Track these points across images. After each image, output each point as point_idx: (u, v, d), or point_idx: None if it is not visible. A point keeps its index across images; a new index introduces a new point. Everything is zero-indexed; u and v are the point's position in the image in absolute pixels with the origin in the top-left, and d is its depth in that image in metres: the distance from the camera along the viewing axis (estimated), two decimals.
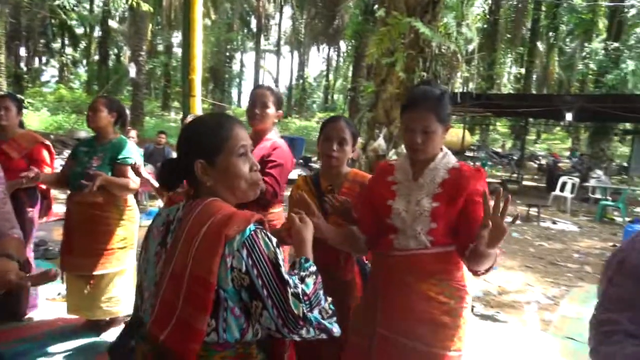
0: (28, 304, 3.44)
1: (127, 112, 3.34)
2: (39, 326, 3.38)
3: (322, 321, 1.20)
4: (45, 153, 3.33)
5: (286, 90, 40.48)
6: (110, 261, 3.09)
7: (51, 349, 3.06)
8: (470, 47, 10.79)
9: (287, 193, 2.60)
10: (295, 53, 40.00)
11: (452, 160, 1.76)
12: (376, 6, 11.57)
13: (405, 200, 1.73)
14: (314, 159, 17.31)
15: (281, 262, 1.17)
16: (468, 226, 1.64)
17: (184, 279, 1.15)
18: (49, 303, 3.62)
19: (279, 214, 2.58)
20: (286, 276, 1.16)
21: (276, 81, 36.34)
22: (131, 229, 3.22)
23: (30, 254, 3.41)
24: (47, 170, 3.28)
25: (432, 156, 1.73)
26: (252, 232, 1.16)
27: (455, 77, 6.40)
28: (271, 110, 2.54)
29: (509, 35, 28.52)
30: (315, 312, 1.19)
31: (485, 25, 23.53)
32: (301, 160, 15.97)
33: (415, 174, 1.76)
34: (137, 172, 3.07)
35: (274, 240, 1.20)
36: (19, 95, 18.86)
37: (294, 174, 11.52)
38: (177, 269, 1.17)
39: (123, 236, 3.15)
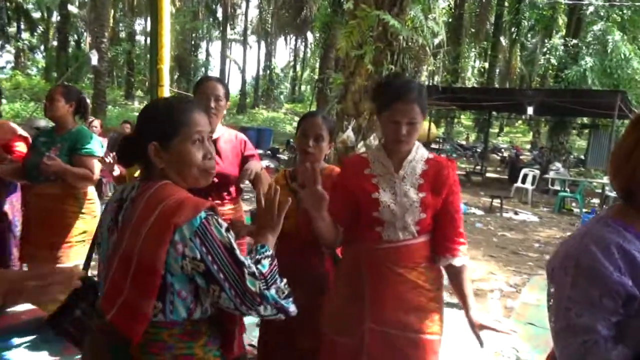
0: None
1: (88, 101, 3.25)
2: (2, 319, 3.28)
3: (279, 300, 1.23)
4: (22, 145, 3.21)
5: (253, 80, 40.10)
6: (68, 255, 3.00)
7: (16, 341, 2.97)
8: (437, 41, 10.94)
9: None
10: (262, 43, 39.62)
11: (425, 151, 1.80)
12: None
13: (391, 193, 1.73)
14: (282, 149, 17.30)
15: (235, 246, 1.21)
16: (450, 216, 1.75)
17: (132, 263, 1.18)
18: None
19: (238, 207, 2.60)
20: (241, 258, 1.20)
21: (242, 71, 35.90)
22: (92, 222, 3.13)
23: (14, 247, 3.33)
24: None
25: (409, 148, 1.75)
26: (204, 220, 1.18)
27: (422, 70, 6.48)
28: (224, 103, 2.51)
29: (473, 30, 29.10)
30: (272, 290, 1.23)
31: (450, 20, 23.88)
32: (269, 152, 15.92)
33: (395, 166, 1.76)
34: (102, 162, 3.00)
35: (225, 225, 1.23)
36: None
37: (261, 165, 11.47)
38: (127, 252, 1.20)
39: (82, 229, 3.06)
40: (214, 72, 37.06)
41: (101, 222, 1.38)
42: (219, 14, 34.06)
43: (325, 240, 1.85)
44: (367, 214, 1.75)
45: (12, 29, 31.13)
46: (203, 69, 34.95)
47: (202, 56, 37.67)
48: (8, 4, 24.76)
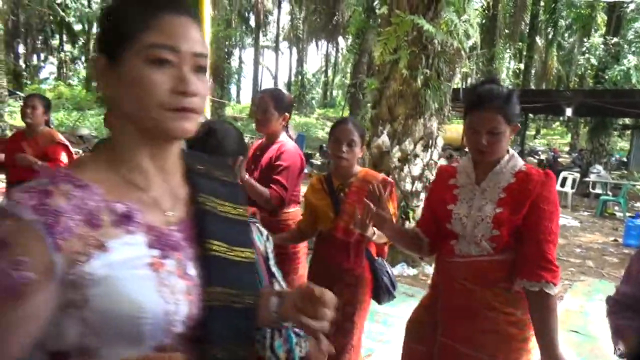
0: None
1: None
2: None
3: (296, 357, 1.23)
4: (62, 153, 3.39)
5: (285, 86, 40.46)
6: None
7: None
8: (470, 43, 10.80)
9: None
10: (294, 49, 39.98)
11: (519, 163, 1.66)
12: (376, 3, 11.61)
13: (467, 205, 1.66)
14: (314, 155, 17.35)
15: (270, 256, 1.29)
16: (533, 235, 1.56)
17: None
18: None
19: (294, 213, 2.61)
20: (273, 269, 1.28)
21: (275, 77, 36.32)
22: None
23: None
24: None
25: (498, 159, 1.64)
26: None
27: (457, 73, 6.42)
28: (273, 114, 2.55)
29: (507, 31, 28.55)
30: None
31: (484, 21, 23.53)
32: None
33: (478, 177, 1.68)
34: None
35: (265, 233, 1.30)
36: (19, 93, 18.83)
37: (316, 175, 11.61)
38: None
39: None
40: (247, 79, 37.60)
41: None
42: (252, 22, 34.58)
43: (402, 248, 1.90)
44: (443, 225, 1.71)
45: (55, 42, 32.46)
46: (236, 76, 35.50)
47: (235, 63, 38.23)
48: (51, 18, 25.79)
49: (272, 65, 39.42)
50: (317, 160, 16.53)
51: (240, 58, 40.95)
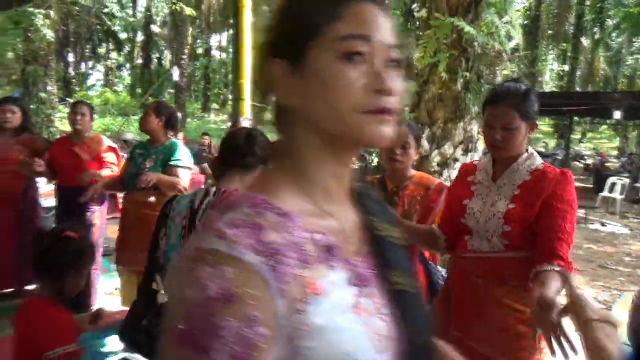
0: (93, 298, 3.68)
1: (179, 115, 3.49)
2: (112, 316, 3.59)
3: None
4: (112, 155, 3.55)
5: None
6: None
7: (109, 338, 3.23)
8: (512, 44, 10.57)
9: None
10: None
11: (538, 161, 1.67)
12: (414, 6, 11.53)
13: (481, 201, 1.69)
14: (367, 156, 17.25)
15: None
16: (545, 232, 1.54)
17: None
18: (107, 297, 3.80)
19: None
20: None
21: None
22: None
23: (100, 250, 3.66)
24: (115, 169, 3.56)
25: (516, 156, 1.66)
26: None
27: (497, 75, 6.30)
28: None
29: (551, 32, 27.75)
30: None
31: (526, 22, 22.97)
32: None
33: (496, 174, 1.70)
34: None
35: None
36: (68, 99, 19.66)
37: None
38: None
39: None
40: None
41: (165, 234, 1.48)
42: None
43: (419, 245, 1.94)
44: (457, 220, 1.74)
45: (102, 50, 33.75)
46: None
47: None
48: (98, 27, 26.82)
49: None
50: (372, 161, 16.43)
51: None
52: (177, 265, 0.61)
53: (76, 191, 3.37)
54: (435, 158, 5.35)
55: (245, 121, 3.28)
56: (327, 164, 0.68)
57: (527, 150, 1.69)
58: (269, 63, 0.67)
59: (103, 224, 3.73)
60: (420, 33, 5.73)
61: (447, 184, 5.44)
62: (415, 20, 7.75)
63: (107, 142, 3.68)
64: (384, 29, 0.65)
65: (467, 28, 5.10)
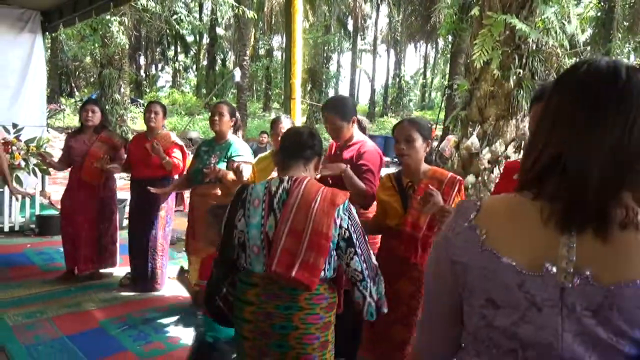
0: (160, 281, 4.05)
1: (238, 115, 3.79)
2: (164, 299, 3.95)
3: (383, 294, 1.69)
4: (178, 152, 3.91)
5: (382, 89, 40.45)
6: None
7: (171, 319, 3.58)
8: (583, 38, 10.18)
9: None
10: (392, 51, 39.84)
11: None
12: (472, 2, 11.35)
13: None
14: None
15: (362, 227, 1.72)
16: None
17: (305, 234, 1.61)
18: (171, 281, 4.17)
19: (373, 208, 2.83)
20: (367, 237, 1.73)
21: (372, 80, 36.46)
22: None
23: (167, 238, 4.02)
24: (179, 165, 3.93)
25: None
26: (349, 204, 1.70)
27: (552, 72, 6.17)
28: (342, 125, 2.67)
29: (627, 23, 26.10)
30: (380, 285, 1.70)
31: (598, 14, 21.78)
32: (396, 159, 16.01)
33: None
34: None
35: (356, 209, 1.77)
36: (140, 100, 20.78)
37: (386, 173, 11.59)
38: (296, 226, 1.63)
39: None
40: (345, 82, 38.14)
41: (244, 215, 1.73)
42: (350, 26, 35.07)
43: None
44: None
45: (170, 53, 35.43)
46: (334, 80, 36.19)
47: (333, 67, 38.98)
48: (168, 31, 28.21)
49: (369, 68, 39.65)
50: None
51: (338, 62, 41.65)
52: None
53: (147, 183, 3.76)
54: (486, 156, 5.36)
55: (286, 119, 3.49)
56: None
57: None
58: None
59: (169, 215, 4.09)
60: (474, 32, 5.74)
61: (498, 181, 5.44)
62: (469, 18, 7.69)
63: (174, 139, 4.04)
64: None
65: (520, 25, 5.08)
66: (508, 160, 5.04)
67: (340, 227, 1.64)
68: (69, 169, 4.31)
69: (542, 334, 0.79)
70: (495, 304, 0.84)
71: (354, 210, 1.71)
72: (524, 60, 5.40)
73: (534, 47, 5.44)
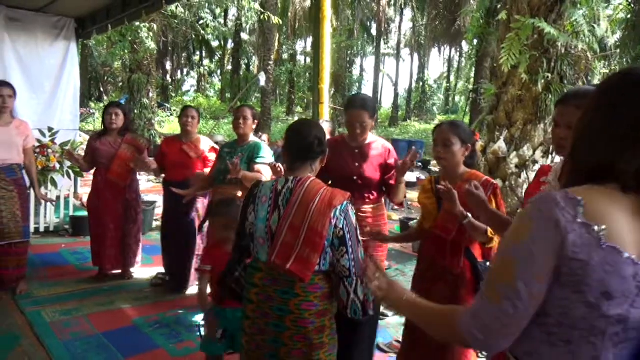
0: (190, 281, 4.14)
1: None
2: (195, 299, 4.04)
3: (369, 294, 1.75)
4: (214, 155, 4.01)
5: (405, 93, 40.26)
6: None
7: (202, 318, 3.65)
8: (611, 41, 10.00)
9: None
10: (415, 55, 39.66)
11: None
12: (499, 5, 11.25)
13: None
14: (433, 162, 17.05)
15: (357, 228, 1.83)
16: None
17: (302, 230, 1.75)
18: None
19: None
20: (360, 238, 1.83)
21: (395, 84, 36.34)
22: None
23: (204, 238, 4.08)
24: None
25: None
26: (347, 205, 1.81)
27: (583, 76, 6.08)
28: (370, 122, 2.76)
29: None
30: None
31: (628, 16, 21.31)
32: (419, 164, 15.87)
33: (562, 174, 1.67)
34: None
35: (354, 210, 1.86)
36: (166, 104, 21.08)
37: (413, 177, 11.44)
38: (295, 223, 1.77)
39: None
40: (368, 86, 38.12)
41: (254, 210, 1.89)
42: (373, 30, 35.07)
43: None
44: None
45: (196, 58, 35.98)
46: (357, 84, 36.20)
47: (356, 72, 39.03)
48: (193, 36, 28.70)
49: (392, 72, 39.56)
50: (436, 168, 16.25)
51: (361, 66, 41.67)
52: None
53: (183, 185, 3.86)
54: (514, 160, 5.32)
55: (325, 123, 3.55)
56: None
57: None
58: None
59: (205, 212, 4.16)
60: (501, 35, 5.71)
61: (525, 185, 5.40)
62: (495, 22, 7.64)
63: (210, 143, 4.16)
64: None
65: (549, 29, 5.04)
66: (542, 165, 5.02)
67: (336, 226, 1.76)
68: (93, 171, 4.42)
69: None
70: (609, 295, 0.90)
71: (351, 212, 1.82)
72: (552, 64, 5.35)
73: (563, 51, 5.38)
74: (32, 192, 4.35)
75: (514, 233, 0.99)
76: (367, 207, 2.79)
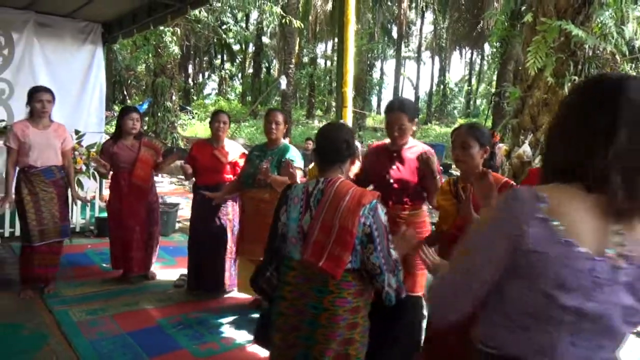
0: (229, 283, 4.18)
1: None
2: (217, 301, 4.08)
3: (402, 283, 1.84)
4: (242, 161, 4.04)
5: (426, 96, 40.01)
6: None
7: (225, 320, 3.69)
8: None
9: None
10: (436, 58, 39.40)
11: None
12: (524, 8, 11.11)
13: None
14: (454, 165, 16.86)
15: (387, 226, 1.86)
16: None
17: (333, 229, 1.81)
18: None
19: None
20: (390, 236, 1.85)
21: (416, 87, 36.18)
22: None
23: (235, 241, 4.09)
24: None
25: None
26: (376, 204, 1.84)
27: None
28: (410, 125, 2.74)
29: None
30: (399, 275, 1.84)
31: None
32: (441, 167, 15.72)
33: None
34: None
35: (384, 209, 1.88)
36: (188, 107, 21.34)
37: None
38: (327, 222, 1.82)
39: None
40: (388, 90, 37.99)
41: (286, 211, 1.95)
42: (394, 33, 34.96)
43: None
44: None
45: (217, 61, 36.36)
46: (377, 88, 36.10)
47: (376, 75, 38.93)
48: (215, 40, 29.01)
49: (413, 75, 39.34)
50: (457, 171, 16.09)
51: (381, 69, 41.57)
52: None
53: (215, 189, 3.88)
54: (538, 164, 5.24)
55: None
56: None
57: None
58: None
59: (236, 217, 4.15)
60: (526, 37, 5.64)
61: None
62: (520, 25, 7.54)
63: (240, 149, 4.18)
64: None
65: (576, 31, 4.96)
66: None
67: (364, 224, 1.80)
68: (110, 175, 4.43)
69: (601, 308, 0.97)
70: (565, 287, 0.97)
71: (380, 210, 1.84)
72: (579, 67, 5.27)
73: (590, 53, 5.30)
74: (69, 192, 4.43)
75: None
76: (405, 213, 2.76)
